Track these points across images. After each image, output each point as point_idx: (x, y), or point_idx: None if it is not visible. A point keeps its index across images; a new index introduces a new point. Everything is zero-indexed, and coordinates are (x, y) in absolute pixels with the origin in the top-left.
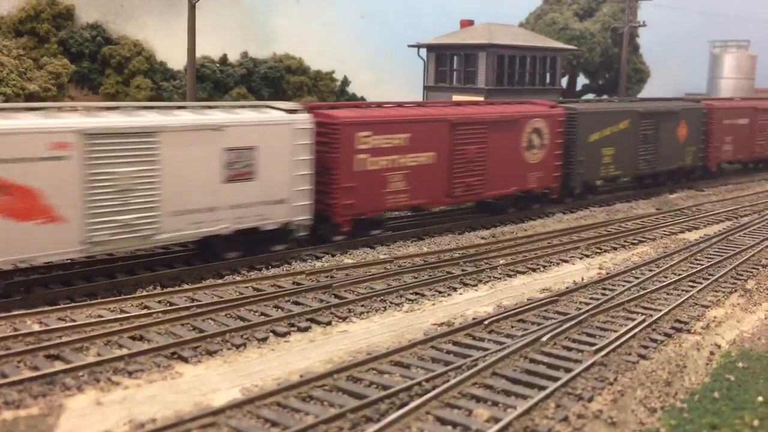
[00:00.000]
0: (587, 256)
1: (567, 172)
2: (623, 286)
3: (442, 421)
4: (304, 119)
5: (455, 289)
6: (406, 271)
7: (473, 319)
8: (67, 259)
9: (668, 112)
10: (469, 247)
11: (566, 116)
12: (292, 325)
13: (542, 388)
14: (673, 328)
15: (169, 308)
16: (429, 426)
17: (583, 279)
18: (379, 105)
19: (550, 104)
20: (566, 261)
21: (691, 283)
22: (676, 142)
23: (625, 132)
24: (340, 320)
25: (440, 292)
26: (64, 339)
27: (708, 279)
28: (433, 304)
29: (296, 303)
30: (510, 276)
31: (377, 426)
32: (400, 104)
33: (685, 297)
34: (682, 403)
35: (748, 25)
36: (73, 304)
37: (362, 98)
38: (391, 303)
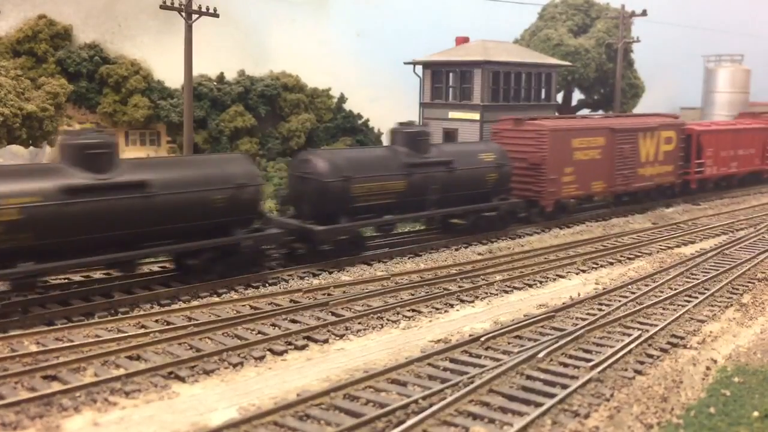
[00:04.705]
0: (584, 271)
1: None
2: (619, 301)
3: None
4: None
5: (452, 306)
6: (403, 287)
7: (470, 335)
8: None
9: None
10: (465, 264)
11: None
12: (290, 344)
13: (539, 404)
14: (669, 343)
15: (167, 327)
16: None
17: (579, 294)
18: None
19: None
20: (563, 276)
21: (687, 298)
22: None
23: None
24: (337, 338)
25: (437, 309)
26: (61, 359)
27: (704, 293)
28: (430, 321)
29: (293, 321)
30: (507, 292)
31: None
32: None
33: (681, 312)
34: (678, 418)
35: (742, 39)
36: (70, 324)
37: (358, 115)
38: (388, 320)
